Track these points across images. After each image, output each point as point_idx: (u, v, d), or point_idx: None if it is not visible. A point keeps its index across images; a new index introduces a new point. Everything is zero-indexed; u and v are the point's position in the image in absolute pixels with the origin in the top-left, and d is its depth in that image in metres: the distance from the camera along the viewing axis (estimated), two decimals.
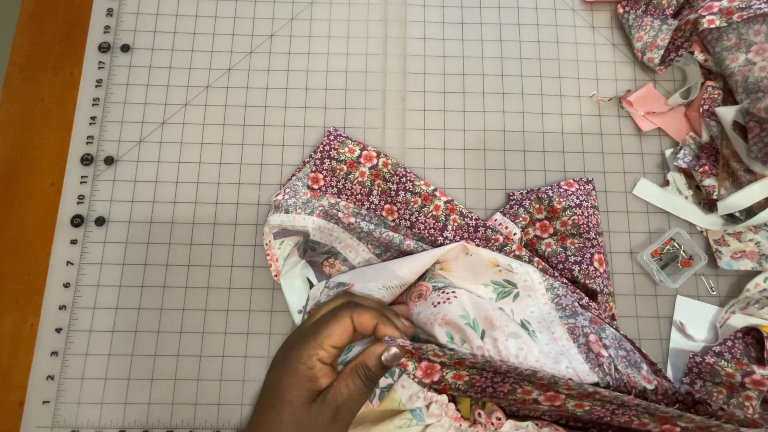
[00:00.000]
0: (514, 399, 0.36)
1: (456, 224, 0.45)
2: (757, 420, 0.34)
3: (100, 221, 0.46)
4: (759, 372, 0.40)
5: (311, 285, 0.44)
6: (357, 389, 0.34)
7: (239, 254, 0.46)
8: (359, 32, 0.52)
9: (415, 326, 0.40)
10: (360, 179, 0.46)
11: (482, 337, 0.37)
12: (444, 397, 0.37)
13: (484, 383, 0.36)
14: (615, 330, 0.41)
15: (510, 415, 0.39)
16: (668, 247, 0.46)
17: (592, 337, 0.37)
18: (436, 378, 0.36)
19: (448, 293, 0.39)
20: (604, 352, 0.36)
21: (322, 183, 0.46)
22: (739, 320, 0.45)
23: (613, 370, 0.35)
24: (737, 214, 0.45)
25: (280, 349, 0.38)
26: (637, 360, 0.38)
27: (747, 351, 0.43)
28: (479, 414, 0.38)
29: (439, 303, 0.38)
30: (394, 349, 0.34)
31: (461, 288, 0.40)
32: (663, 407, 0.33)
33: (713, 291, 0.46)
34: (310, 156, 0.48)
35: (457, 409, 0.38)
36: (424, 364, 0.36)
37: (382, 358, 0.34)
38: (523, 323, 0.40)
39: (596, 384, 0.35)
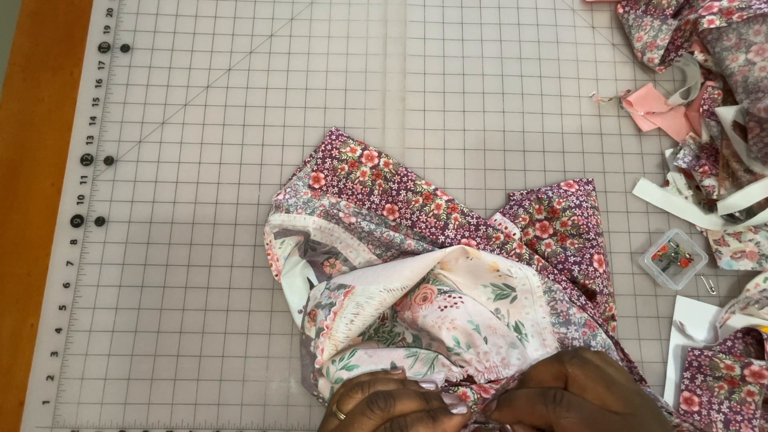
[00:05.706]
0: None
1: (457, 223, 0.45)
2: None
3: (100, 221, 0.46)
4: (756, 363, 0.40)
5: (312, 285, 0.44)
6: None
7: (239, 254, 0.46)
8: (359, 32, 0.52)
9: (420, 329, 0.40)
10: (361, 179, 0.46)
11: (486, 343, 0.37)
12: None
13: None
14: (606, 336, 0.41)
15: None
16: (668, 249, 0.46)
17: None
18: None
19: (455, 297, 0.39)
20: None
21: (323, 182, 0.46)
22: (739, 320, 0.45)
23: None
24: (737, 214, 0.45)
25: None
26: None
27: (747, 351, 0.43)
28: None
29: (446, 307, 0.39)
30: (453, 423, 0.31)
31: (466, 294, 0.40)
32: None
33: (713, 291, 0.46)
34: (311, 155, 0.48)
35: None
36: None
37: None
38: (517, 325, 0.41)
39: None
